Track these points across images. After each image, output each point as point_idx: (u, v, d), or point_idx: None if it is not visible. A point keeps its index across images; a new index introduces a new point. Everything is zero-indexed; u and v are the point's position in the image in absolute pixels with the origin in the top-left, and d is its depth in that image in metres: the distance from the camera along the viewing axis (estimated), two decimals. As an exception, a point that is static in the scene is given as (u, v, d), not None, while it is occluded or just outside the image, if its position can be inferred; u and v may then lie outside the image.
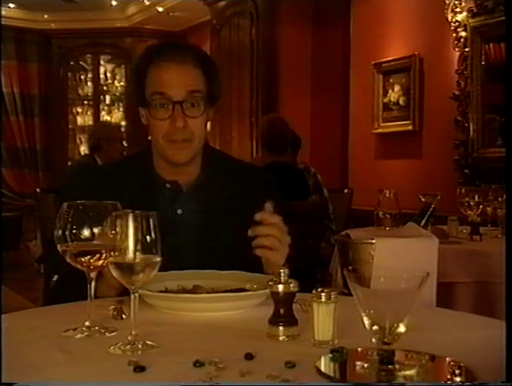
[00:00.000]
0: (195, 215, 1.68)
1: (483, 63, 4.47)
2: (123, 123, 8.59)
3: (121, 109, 8.79)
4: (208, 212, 1.68)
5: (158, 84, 1.62)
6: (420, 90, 4.99)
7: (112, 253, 1.08)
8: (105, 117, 8.82)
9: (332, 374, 0.94)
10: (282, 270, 1.16)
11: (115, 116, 8.78)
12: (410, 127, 5.06)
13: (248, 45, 6.32)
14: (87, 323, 1.17)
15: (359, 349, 1.02)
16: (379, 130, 5.39)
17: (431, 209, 2.66)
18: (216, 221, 1.67)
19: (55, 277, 1.72)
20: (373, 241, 1.59)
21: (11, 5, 7.96)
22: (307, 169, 4.21)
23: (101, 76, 8.84)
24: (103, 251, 1.15)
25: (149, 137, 1.75)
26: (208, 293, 1.39)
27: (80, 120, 8.88)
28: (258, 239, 1.48)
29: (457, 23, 4.58)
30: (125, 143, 4.79)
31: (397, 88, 5.21)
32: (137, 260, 1.07)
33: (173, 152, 1.65)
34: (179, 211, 1.67)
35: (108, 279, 1.27)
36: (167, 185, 1.69)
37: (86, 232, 1.18)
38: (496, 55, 4.37)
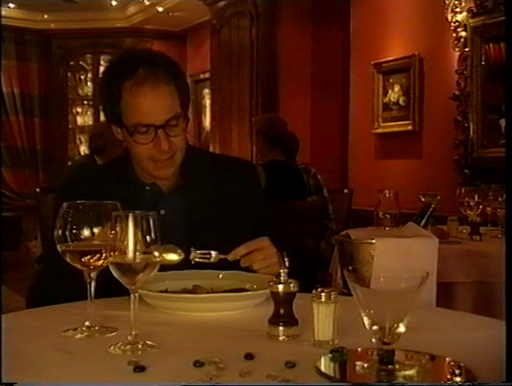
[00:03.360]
0: (178, 215, 1.69)
1: (483, 63, 4.47)
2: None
3: (121, 109, 8.79)
4: (192, 211, 1.69)
5: (138, 114, 1.60)
6: (420, 90, 4.99)
7: (112, 253, 1.08)
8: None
9: (332, 374, 0.94)
10: (282, 270, 1.16)
11: (115, 116, 8.78)
12: (410, 127, 5.06)
13: (248, 45, 6.31)
14: (87, 323, 1.17)
15: (359, 349, 1.02)
16: (379, 130, 5.39)
17: (431, 209, 2.65)
18: (200, 219, 1.68)
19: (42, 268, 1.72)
20: (373, 241, 1.59)
21: (11, 5, 7.96)
22: (308, 169, 4.20)
23: (101, 76, 8.84)
24: (103, 251, 1.15)
25: None
26: (208, 293, 1.39)
27: (80, 120, 8.88)
28: (252, 265, 1.49)
29: (457, 23, 4.58)
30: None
31: (397, 88, 5.21)
32: (137, 260, 1.08)
33: (158, 170, 1.67)
34: (162, 212, 1.67)
35: None
36: (147, 187, 1.71)
37: (86, 232, 1.18)
38: (496, 55, 4.37)
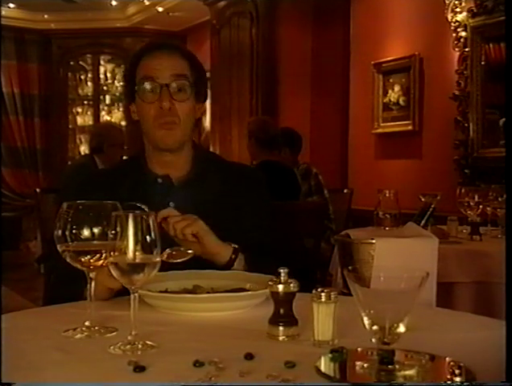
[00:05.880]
0: (187, 208, 1.70)
1: (483, 63, 4.47)
2: (123, 123, 8.59)
3: (121, 109, 8.78)
4: (200, 205, 1.72)
5: (148, 70, 1.72)
6: (420, 90, 4.99)
7: (112, 253, 1.08)
8: (104, 117, 8.82)
9: (332, 374, 0.94)
10: (282, 270, 1.16)
11: (115, 116, 8.78)
12: (410, 127, 5.06)
13: (248, 45, 6.31)
14: (87, 323, 1.17)
15: (359, 349, 1.02)
16: (379, 130, 5.39)
17: (431, 209, 2.66)
18: (207, 214, 1.68)
19: (52, 278, 1.74)
20: (373, 241, 1.59)
21: (11, 5, 7.95)
22: (309, 169, 4.21)
23: (101, 76, 8.84)
24: (103, 251, 1.15)
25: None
26: (208, 293, 1.39)
27: (80, 120, 8.88)
28: (174, 226, 1.54)
29: (457, 23, 4.58)
30: (125, 147, 4.78)
31: (397, 88, 5.20)
32: (137, 260, 1.08)
33: (161, 135, 1.72)
34: (172, 205, 1.71)
35: (101, 281, 1.26)
36: (159, 180, 1.76)
37: (86, 232, 1.18)
38: (496, 55, 4.37)
